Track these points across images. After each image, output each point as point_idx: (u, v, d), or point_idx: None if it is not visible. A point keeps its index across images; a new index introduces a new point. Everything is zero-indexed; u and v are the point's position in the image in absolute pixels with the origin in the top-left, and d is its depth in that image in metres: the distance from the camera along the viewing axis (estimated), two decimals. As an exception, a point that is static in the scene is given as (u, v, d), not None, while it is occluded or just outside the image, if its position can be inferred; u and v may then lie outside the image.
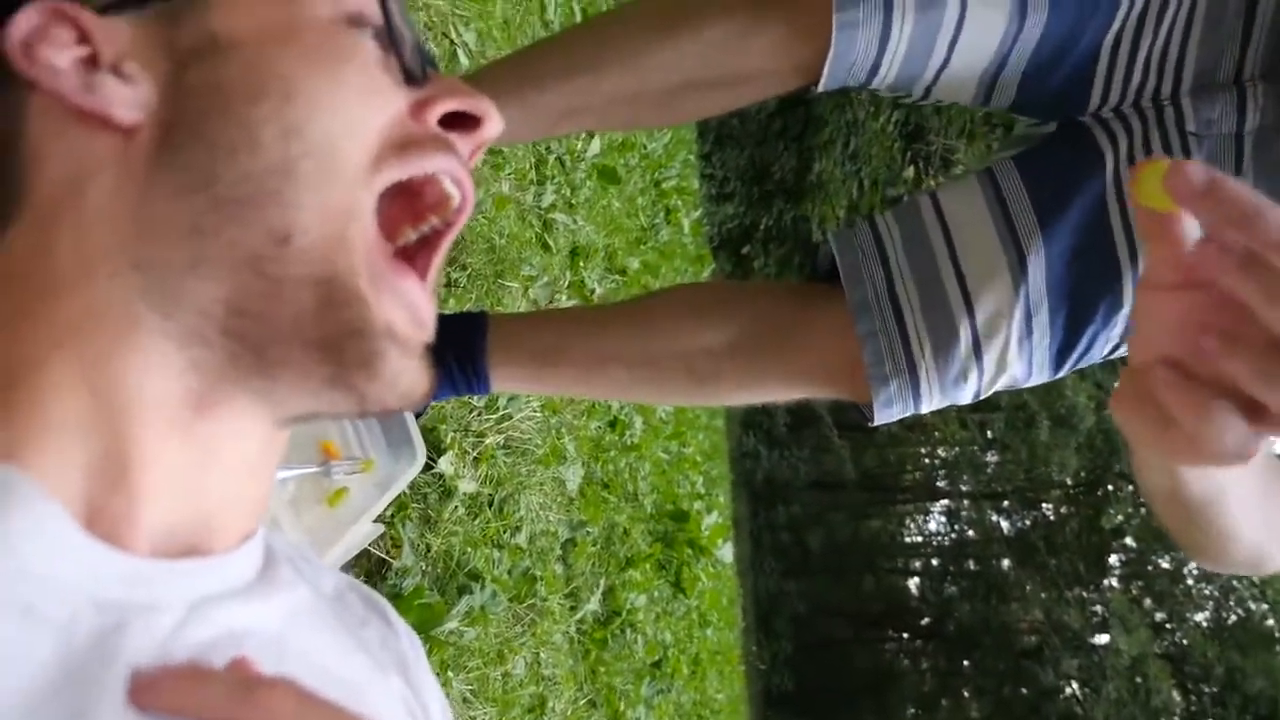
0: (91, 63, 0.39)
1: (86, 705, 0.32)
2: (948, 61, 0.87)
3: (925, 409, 0.96)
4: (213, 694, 0.33)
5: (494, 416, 1.51)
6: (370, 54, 0.42)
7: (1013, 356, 0.91)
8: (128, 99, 0.39)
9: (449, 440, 1.33)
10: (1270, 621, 13.92)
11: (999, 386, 0.94)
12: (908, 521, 20.17)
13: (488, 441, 1.46)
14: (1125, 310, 0.88)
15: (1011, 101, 0.91)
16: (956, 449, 17.99)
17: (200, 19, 0.40)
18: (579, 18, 2.71)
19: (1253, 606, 14.36)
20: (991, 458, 17.75)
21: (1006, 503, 17.67)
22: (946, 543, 19.75)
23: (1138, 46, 0.87)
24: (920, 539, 20.18)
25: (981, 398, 0.96)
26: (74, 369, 0.37)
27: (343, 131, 0.40)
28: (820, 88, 0.91)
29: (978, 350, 0.91)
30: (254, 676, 0.35)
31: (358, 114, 0.41)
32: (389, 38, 0.43)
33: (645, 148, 4.00)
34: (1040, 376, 0.94)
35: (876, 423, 0.97)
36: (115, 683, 0.32)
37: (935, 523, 20.06)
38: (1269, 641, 13.72)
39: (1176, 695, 13.67)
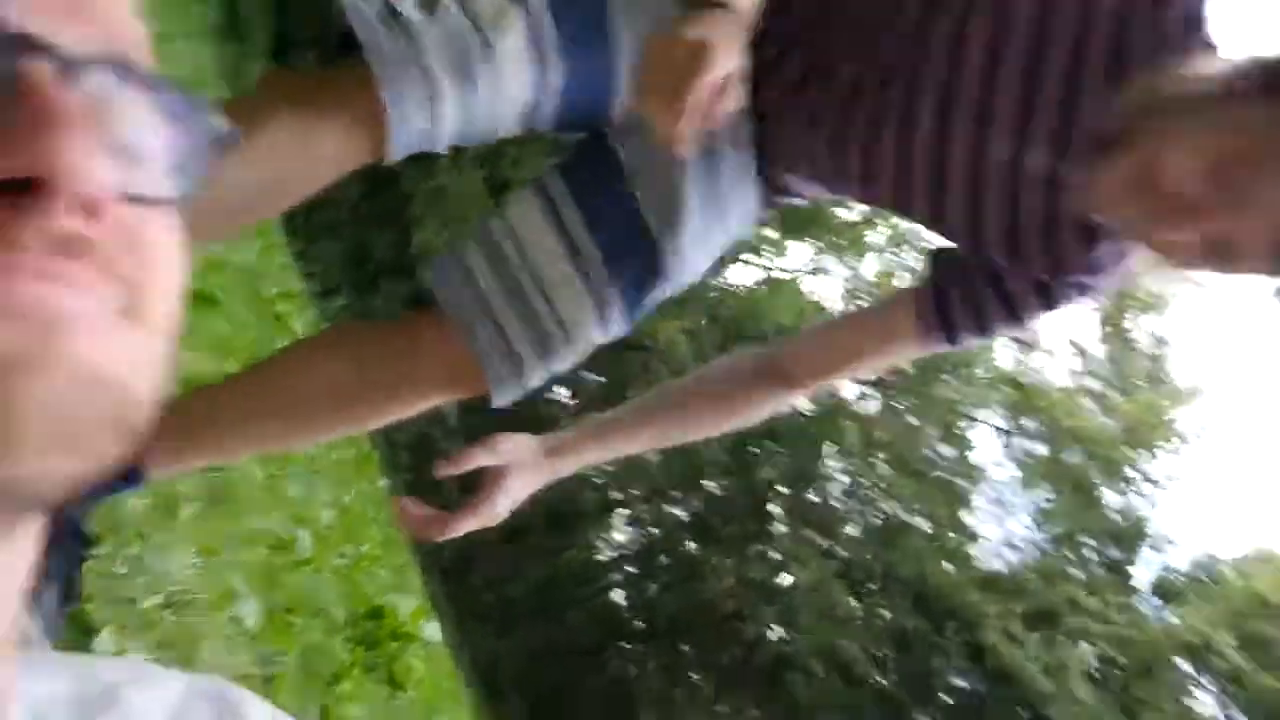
0: None
1: None
2: (494, 120, 1.05)
3: (533, 384, 1.14)
4: None
5: (145, 578, 1.43)
6: None
7: (590, 326, 1.12)
8: None
9: (102, 617, 1.25)
10: (901, 514, 16.49)
11: (591, 344, 1.15)
12: (597, 542, 20.93)
13: (145, 605, 1.38)
14: (669, 274, 1.13)
15: (551, 128, 1.12)
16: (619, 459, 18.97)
17: None
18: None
19: (885, 507, 16.90)
20: (652, 457, 19.03)
21: (675, 492, 19.03)
22: (637, 548, 20.80)
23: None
24: (614, 553, 21.04)
25: (579, 362, 1.16)
26: None
27: None
28: (388, 159, 1.02)
29: (563, 326, 1.11)
30: None
31: None
32: None
33: (235, 263, 3.84)
34: (614, 333, 1.15)
35: (496, 404, 1.14)
36: None
37: (622, 534, 21.06)
38: (905, 530, 16.24)
39: (854, 602, 15.66)
